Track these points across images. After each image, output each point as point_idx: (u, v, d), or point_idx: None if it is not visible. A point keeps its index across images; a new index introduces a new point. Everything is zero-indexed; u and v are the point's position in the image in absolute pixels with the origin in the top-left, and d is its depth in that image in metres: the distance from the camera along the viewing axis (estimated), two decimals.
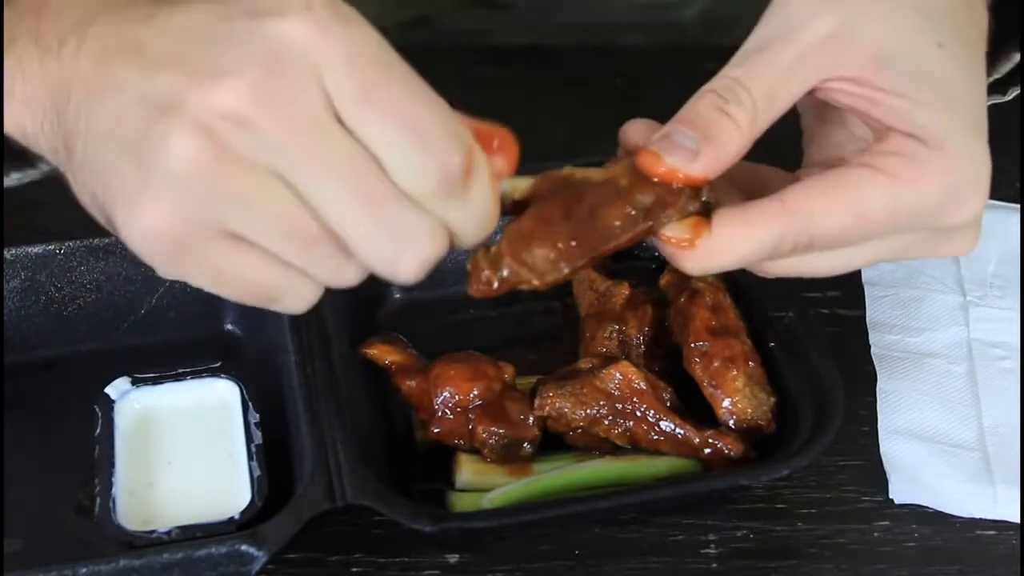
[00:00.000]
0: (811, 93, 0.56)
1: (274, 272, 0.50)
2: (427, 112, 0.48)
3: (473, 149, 0.49)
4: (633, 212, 0.54)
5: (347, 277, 0.50)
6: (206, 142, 0.46)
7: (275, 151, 0.46)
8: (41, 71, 0.52)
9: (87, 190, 0.51)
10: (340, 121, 0.47)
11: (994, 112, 0.59)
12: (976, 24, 0.58)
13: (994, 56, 0.66)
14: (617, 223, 0.54)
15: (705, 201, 0.55)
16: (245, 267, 0.49)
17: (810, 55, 0.54)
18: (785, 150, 0.61)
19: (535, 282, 0.54)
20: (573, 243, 0.54)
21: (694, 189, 0.54)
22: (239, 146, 0.46)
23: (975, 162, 0.54)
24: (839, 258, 0.57)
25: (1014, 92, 0.69)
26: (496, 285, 0.54)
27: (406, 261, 0.49)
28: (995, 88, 0.68)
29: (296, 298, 0.51)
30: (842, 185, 0.54)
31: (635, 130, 0.58)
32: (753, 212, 0.54)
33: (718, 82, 0.55)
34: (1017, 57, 0.67)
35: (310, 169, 0.47)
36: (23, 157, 0.62)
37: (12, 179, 0.66)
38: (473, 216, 0.50)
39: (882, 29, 0.54)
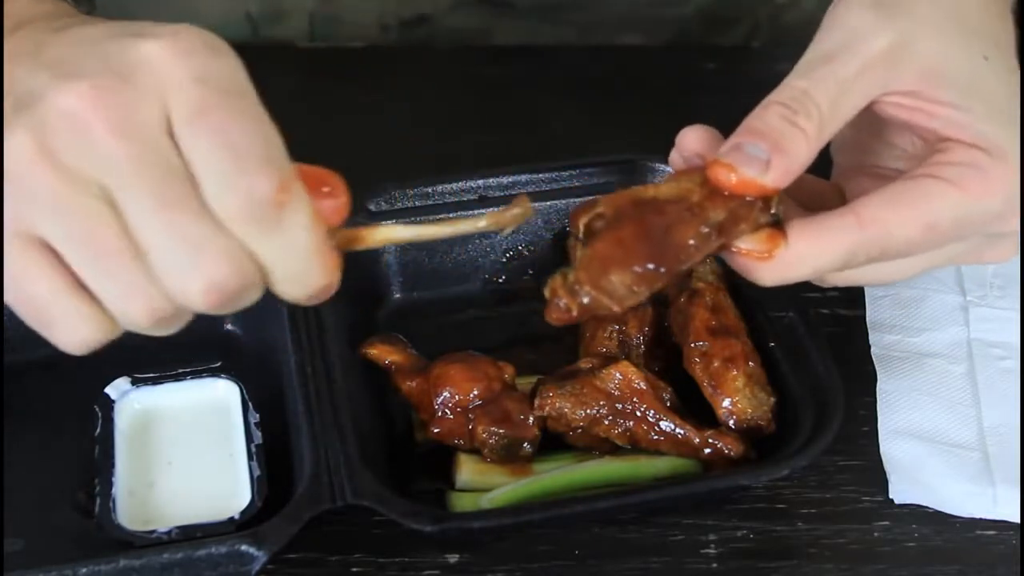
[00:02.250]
0: (867, 106, 0.57)
1: (57, 289, 0.49)
2: (250, 139, 0.47)
3: (292, 184, 0.48)
4: (707, 230, 0.54)
5: (136, 302, 0.49)
6: (37, 139, 0.47)
7: (98, 155, 0.47)
8: None
9: None
10: (173, 140, 0.47)
11: None
12: (1009, 34, 0.61)
13: None
14: (692, 242, 0.54)
15: (774, 213, 0.55)
16: (32, 277, 0.48)
17: (871, 68, 0.56)
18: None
19: (615, 308, 0.54)
20: (650, 266, 0.54)
21: (765, 201, 0.55)
22: (67, 148, 0.47)
23: None
24: (899, 267, 0.58)
25: None
26: (575, 313, 0.54)
27: (198, 278, 0.48)
28: None
29: (69, 327, 0.50)
30: (913, 198, 0.55)
31: (693, 137, 0.58)
32: (829, 225, 0.55)
33: (784, 92, 0.56)
34: None
35: (125, 174, 0.47)
36: None
37: None
38: (286, 254, 0.49)
39: (935, 45, 0.56)
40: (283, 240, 0.48)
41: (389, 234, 0.54)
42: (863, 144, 0.63)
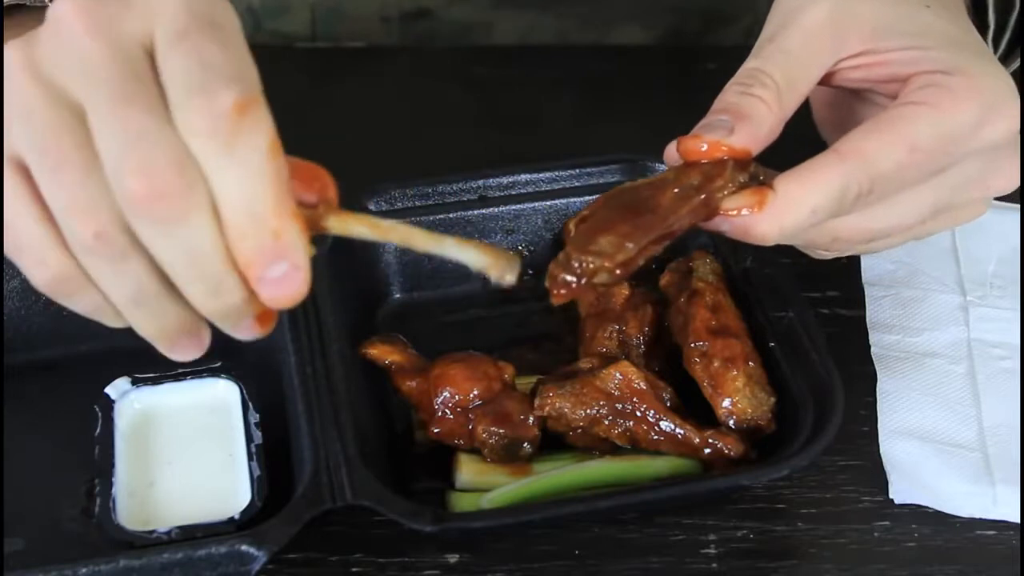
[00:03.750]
0: (827, 82, 0.59)
1: (25, 214, 0.47)
2: (221, 59, 0.46)
3: (254, 104, 0.45)
4: (685, 190, 0.55)
5: (81, 218, 0.46)
6: (26, 50, 0.47)
7: (73, 59, 0.46)
8: None
9: None
10: (152, 60, 0.46)
11: None
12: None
13: None
14: (672, 201, 0.55)
15: (755, 174, 0.56)
16: (8, 200, 0.47)
17: (814, 37, 0.58)
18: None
19: (607, 264, 0.54)
20: (634, 226, 0.55)
21: (739, 162, 0.56)
22: (49, 56, 0.46)
23: (998, 78, 0.57)
24: (902, 207, 0.58)
25: None
26: (572, 280, 0.54)
27: (132, 160, 0.45)
28: None
29: (34, 257, 0.48)
30: (889, 123, 0.56)
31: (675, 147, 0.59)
32: (813, 165, 0.56)
33: (739, 75, 0.58)
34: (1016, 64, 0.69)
35: (94, 74, 0.46)
36: None
37: None
38: (238, 176, 0.45)
39: (872, 6, 0.58)
40: (236, 160, 0.45)
41: (364, 228, 0.51)
42: (842, 120, 0.64)
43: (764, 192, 0.55)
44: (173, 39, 0.46)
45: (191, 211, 0.45)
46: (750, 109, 0.56)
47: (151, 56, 0.47)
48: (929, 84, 0.56)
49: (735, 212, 0.56)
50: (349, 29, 1.00)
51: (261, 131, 0.46)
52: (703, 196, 0.55)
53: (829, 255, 0.62)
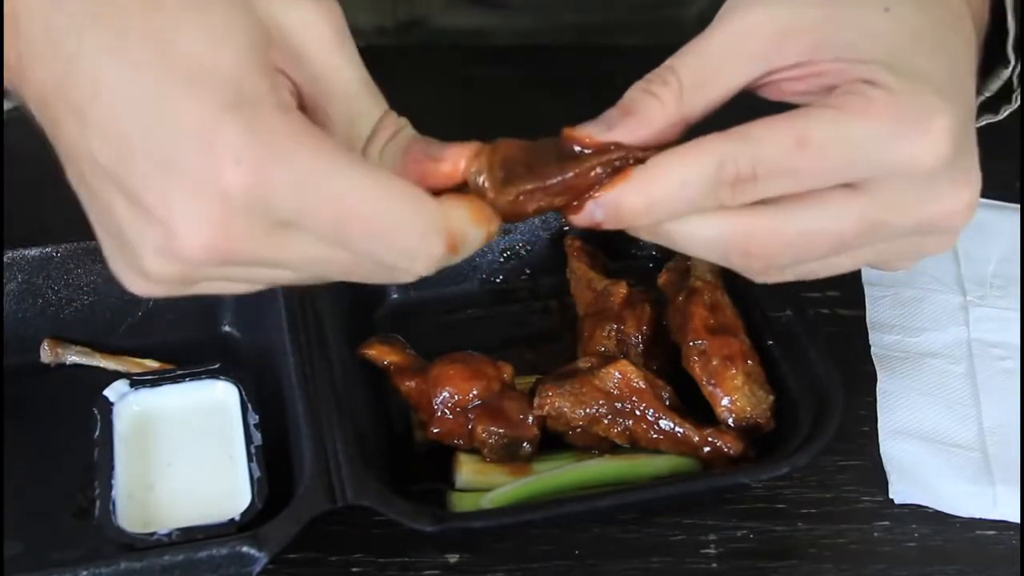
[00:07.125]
0: (767, 93, 0.56)
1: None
2: (392, 219, 0.49)
3: (451, 227, 0.50)
4: (578, 151, 0.54)
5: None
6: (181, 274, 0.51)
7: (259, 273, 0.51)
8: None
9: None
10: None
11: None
12: None
13: (984, 75, 0.65)
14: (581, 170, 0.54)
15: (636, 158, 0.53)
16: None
17: (737, 43, 0.54)
18: None
19: (495, 197, 0.54)
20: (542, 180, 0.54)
21: (624, 148, 0.53)
22: (228, 269, 0.50)
23: (928, 95, 0.52)
24: (812, 213, 0.54)
25: (1007, 110, 0.69)
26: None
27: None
28: (987, 107, 0.68)
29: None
30: (787, 116, 0.52)
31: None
32: (692, 141, 0.53)
33: (649, 74, 0.56)
34: (1006, 74, 0.66)
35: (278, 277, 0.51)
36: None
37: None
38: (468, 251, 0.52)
39: (818, 14, 0.54)
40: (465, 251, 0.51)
41: None
42: None
43: (629, 170, 0.53)
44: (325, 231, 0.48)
45: None
46: (639, 105, 0.54)
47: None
48: (847, 92, 0.52)
49: (600, 192, 0.53)
50: None
51: (473, 240, 0.52)
52: (576, 172, 0.53)
53: (760, 279, 0.57)
